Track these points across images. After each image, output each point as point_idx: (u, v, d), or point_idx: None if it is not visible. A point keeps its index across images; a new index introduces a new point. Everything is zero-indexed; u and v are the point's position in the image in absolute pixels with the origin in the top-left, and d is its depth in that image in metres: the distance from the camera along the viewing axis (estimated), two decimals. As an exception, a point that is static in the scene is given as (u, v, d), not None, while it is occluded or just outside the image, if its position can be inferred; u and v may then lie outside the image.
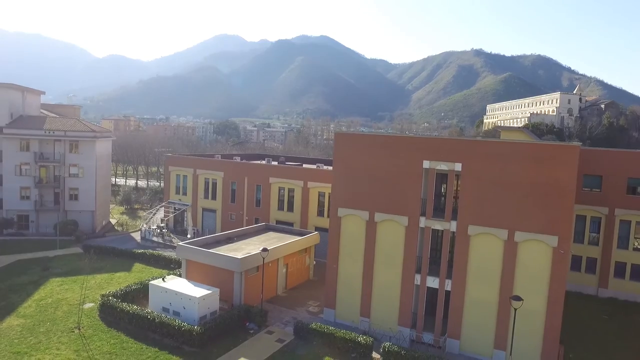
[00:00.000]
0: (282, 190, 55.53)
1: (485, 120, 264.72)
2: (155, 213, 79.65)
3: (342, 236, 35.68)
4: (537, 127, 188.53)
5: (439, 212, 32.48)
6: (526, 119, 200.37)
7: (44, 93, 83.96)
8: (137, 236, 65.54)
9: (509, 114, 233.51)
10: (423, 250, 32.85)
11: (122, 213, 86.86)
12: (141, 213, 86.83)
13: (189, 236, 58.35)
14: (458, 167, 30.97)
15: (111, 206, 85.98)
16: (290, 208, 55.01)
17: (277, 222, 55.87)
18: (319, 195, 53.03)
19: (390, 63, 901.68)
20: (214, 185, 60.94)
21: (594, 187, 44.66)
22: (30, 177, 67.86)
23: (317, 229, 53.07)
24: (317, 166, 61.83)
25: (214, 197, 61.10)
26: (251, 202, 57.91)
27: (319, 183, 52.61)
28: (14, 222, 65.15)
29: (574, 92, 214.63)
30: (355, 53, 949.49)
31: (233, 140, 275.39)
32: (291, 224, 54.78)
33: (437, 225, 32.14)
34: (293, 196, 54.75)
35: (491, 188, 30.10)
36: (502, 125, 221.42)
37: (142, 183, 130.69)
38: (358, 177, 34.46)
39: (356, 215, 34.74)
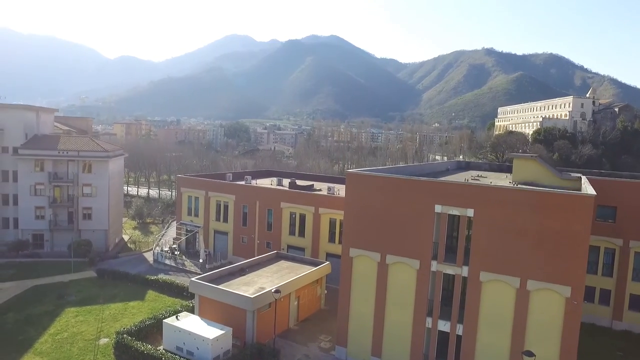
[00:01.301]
0: (294, 215, 55.69)
1: (496, 123, 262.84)
2: (165, 233, 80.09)
3: (354, 276, 35.75)
4: (549, 132, 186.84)
5: (450, 256, 32.40)
6: (538, 123, 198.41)
7: (57, 111, 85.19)
8: (149, 256, 66.08)
9: (521, 117, 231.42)
10: (435, 293, 32.82)
11: (135, 228, 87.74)
12: (153, 228, 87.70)
13: (200, 260, 58.83)
14: (470, 212, 30.88)
15: (123, 219, 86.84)
16: (302, 233, 55.13)
17: (289, 246, 56.06)
18: (330, 221, 53.08)
19: (401, 62, 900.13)
20: (226, 207, 61.28)
21: (608, 218, 44.19)
22: (44, 197, 68.88)
23: (328, 255, 53.23)
24: (329, 189, 61.80)
25: (225, 220, 61.45)
26: (262, 226, 58.15)
27: (330, 209, 52.67)
28: (29, 243, 66.07)
29: (587, 94, 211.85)
30: (365, 52, 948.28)
31: (243, 145, 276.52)
32: (302, 249, 54.94)
33: (449, 269, 32.09)
34: (304, 222, 54.85)
35: (503, 235, 29.97)
36: (513, 129, 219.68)
37: (153, 192, 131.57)
38: (370, 218, 34.51)
39: (367, 256, 34.79)
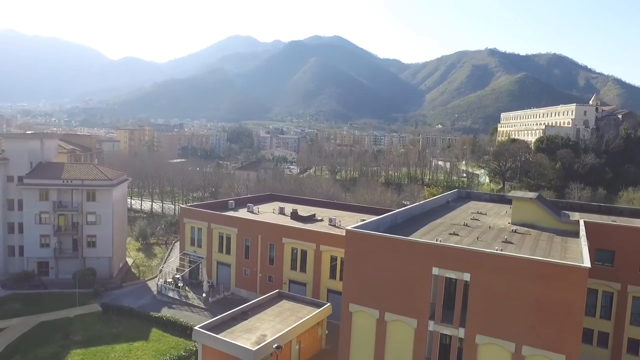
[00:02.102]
0: (295, 251, 56.25)
1: (499, 129, 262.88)
2: (167, 259, 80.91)
3: (353, 330, 36.38)
4: (552, 141, 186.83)
5: (448, 316, 32.92)
6: (541, 131, 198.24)
7: (61, 135, 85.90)
8: (152, 285, 66.82)
9: (523, 123, 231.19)
10: (432, 352, 33.36)
11: (138, 249, 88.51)
12: (157, 250, 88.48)
13: (204, 295, 59.49)
14: (466, 276, 31.43)
15: (128, 238, 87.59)
16: (303, 268, 55.70)
17: (290, 281, 56.71)
18: (331, 258, 53.63)
19: (404, 63, 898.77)
20: (228, 240, 61.92)
21: (606, 262, 44.51)
22: (49, 225, 69.66)
23: (329, 291, 53.87)
24: (330, 220, 62.53)
25: (228, 252, 62.10)
26: (265, 260, 58.76)
27: (330, 247, 53.19)
28: (34, 273, 66.83)
29: (590, 101, 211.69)
30: (368, 53, 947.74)
31: (246, 152, 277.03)
32: (304, 285, 55.56)
33: (446, 330, 32.65)
34: (305, 257, 55.42)
35: (499, 300, 30.50)
36: (516, 136, 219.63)
37: (157, 206, 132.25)
38: (369, 275, 35.09)
39: (367, 312, 35.39)
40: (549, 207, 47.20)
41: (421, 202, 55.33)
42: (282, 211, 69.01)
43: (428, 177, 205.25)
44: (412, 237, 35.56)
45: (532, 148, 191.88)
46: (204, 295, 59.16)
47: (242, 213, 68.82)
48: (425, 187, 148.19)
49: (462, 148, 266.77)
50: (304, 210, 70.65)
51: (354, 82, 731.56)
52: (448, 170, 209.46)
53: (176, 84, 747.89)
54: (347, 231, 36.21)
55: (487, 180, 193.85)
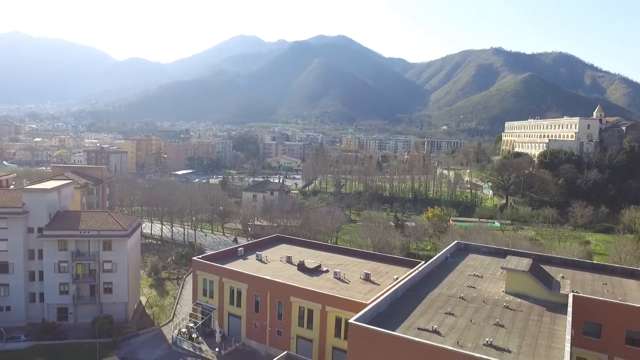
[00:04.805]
0: (302, 309, 59.47)
1: (503, 138, 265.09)
2: (180, 294, 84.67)
3: (357, 414, 39.50)
4: (555, 156, 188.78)
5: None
6: (544, 144, 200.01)
7: (77, 183, 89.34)
8: (167, 332, 70.38)
9: (528, 134, 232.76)
10: None
11: (151, 286, 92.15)
12: (169, 286, 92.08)
13: (217, 349, 62.84)
14: (459, 378, 34.44)
15: (140, 271, 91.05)
16: (310, 326, 58.89)
17: (298, 336, 60.03)
18: (336, 318, 56.78)
19: (409, 62, 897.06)
20: (239, 293, 65.19)
21: (594, 335, 47.34)
22: (68, 273, 73.19)
23: (334, 348, 57.05)
24: (335, 274, 65.67)
25: (239, 305, 65.42)
26: (274, 315, 62.06)
27: (336, 309, 56.27)
28: (56, 325, 70.34)
29: (594, 113, 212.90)
30: (372, 52, 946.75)
31: (252, 163, 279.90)
32: (310, 341, 58.83)
33: None
34: (312, 316, 58.57)
35: (489, 401, 33.49)
36: (519, 148, 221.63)
37: (166, 229, 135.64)
38: (370, 365, 38.19)
39: (369, 400, 38.49)
40: (540, 279, 50.04)
41: (420, 267, 58.30)
42: (289, 260, 72.20)
43: (432, 189, 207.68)
44: (411, 335, 38.50)
45: (536, 162, 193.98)
46: (217, 350, 62.53)
47: (252, 262, 72.31)
48: (428, 207, 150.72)
49: (466, 152, 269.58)
50: (310, 257, 73.95)
51: (358, 83, 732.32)
52: (452, 180, 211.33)
53: (181, 86, 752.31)
54: (350, 324, 39.30)
55: (491, 193, 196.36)
